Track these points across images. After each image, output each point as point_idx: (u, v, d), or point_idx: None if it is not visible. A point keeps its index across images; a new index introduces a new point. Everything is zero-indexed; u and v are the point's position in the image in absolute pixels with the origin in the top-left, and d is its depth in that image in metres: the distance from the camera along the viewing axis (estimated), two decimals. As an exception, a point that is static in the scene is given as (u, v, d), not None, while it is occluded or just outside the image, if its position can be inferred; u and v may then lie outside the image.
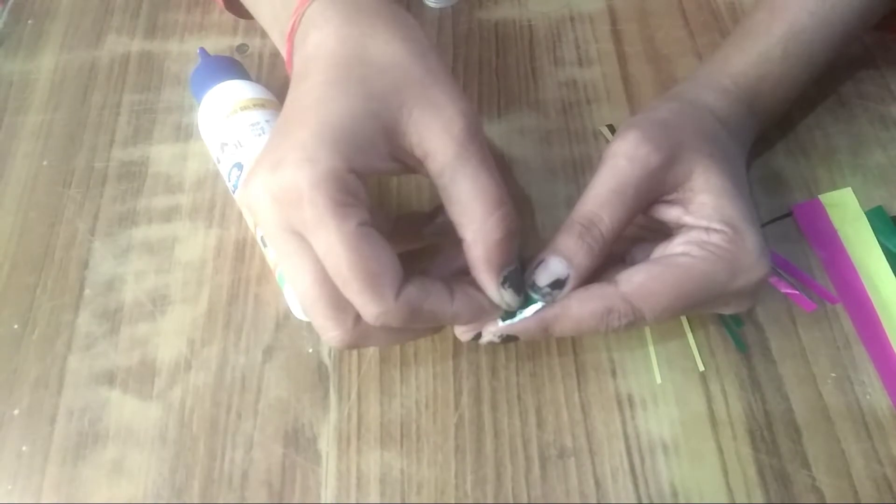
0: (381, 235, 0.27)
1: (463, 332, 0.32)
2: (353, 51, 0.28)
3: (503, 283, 0.29)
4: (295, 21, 0.31)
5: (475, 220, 0.28)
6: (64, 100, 0.47)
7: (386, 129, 0.28)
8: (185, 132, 0.45)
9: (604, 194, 0.31)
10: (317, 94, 0.28)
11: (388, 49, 0.29)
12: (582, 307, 0.30)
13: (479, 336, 0.32)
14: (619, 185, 0.30)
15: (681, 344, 0.37)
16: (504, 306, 0.30)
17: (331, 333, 0.29)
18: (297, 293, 0.28)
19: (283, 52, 0.33)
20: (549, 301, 0.30)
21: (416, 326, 0.30)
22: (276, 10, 0.34)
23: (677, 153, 0.31)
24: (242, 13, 0.43)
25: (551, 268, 0.30)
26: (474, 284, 0.30)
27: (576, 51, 0.48)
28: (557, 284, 0.30)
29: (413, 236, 0.35)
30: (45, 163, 0.44)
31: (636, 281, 0.30)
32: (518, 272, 0.30)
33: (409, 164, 0.29)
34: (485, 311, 0.30)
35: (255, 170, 0.28)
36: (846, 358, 0.36)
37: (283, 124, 0.29)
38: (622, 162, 0.31)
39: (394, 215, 0.34)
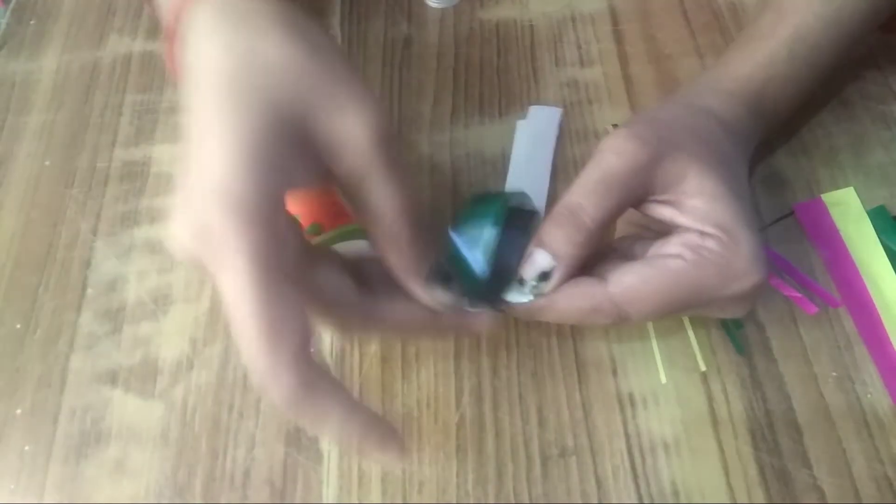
0: (297, 294, 0.25)
1: None
2: (242, 59, 0.26)
3: (428, 282, 0.29)
4: (169, 25, 0.28)
5: (383, 223, 0.27)
6: (66, 100, 0.47)
7: (295, 140, 0.26)
8: (187, 132, 0.45)
9: (588, 184, 0.30)
10: (212, 115, 0.25)
11: (281, 51, 0.26)
12: (568, 303, 0.30)
13: None
14: (604, 176, 0.30)
15: (682, 343, 0.37)
16: (438, 307, 0.29)
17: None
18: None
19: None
20: (537, 293, 0.30)
21: (303, 413, 0.25)
22: (161, 9, 0.31)
23: (668, 152, 0.31)
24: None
25: (537, 261, 0.30)
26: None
27: (577, 51, 0.48)
28: (544, 276, 0.30)
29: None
30: (47, 163, 0.44)
31: (625, 282, 0.29)
32: (440, 267, 0.29)
33: (324, 171, 0.27)
34: (384, 439, 0.27)
35: (173, 211, 0.25)
36: (847, 357, 0.36)
37: (188, 150, 0.26)
38: (608, 155, 0.31)
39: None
